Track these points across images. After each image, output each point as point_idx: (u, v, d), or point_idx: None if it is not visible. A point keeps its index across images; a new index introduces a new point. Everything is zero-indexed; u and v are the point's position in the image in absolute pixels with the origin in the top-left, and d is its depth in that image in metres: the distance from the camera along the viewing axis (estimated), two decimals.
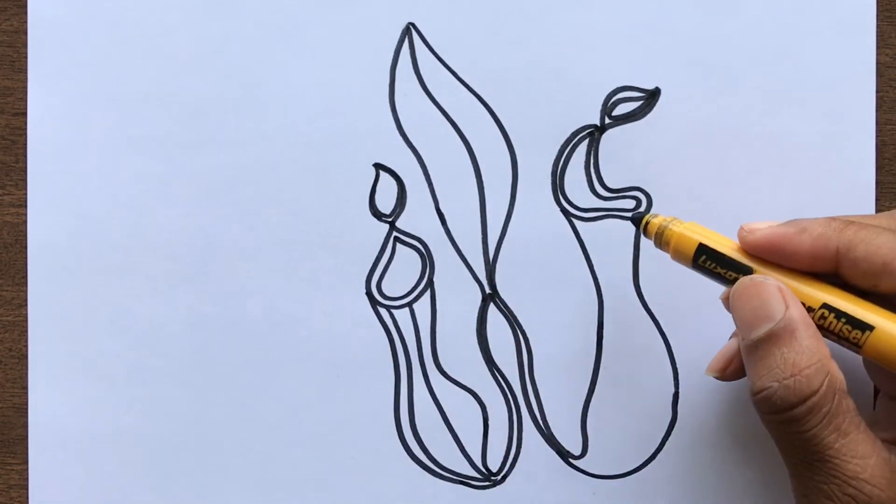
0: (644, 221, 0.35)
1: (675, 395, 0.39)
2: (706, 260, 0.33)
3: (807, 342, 0.29)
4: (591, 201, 0.39)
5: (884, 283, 0.30)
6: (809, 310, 0.30)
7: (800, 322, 0.30)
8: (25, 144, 0.40)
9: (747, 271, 0.32)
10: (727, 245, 0.33)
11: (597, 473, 0.39)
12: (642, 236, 0.36)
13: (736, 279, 0.32)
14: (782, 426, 0.30)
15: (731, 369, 0.34)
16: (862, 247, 0.30)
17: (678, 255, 0.34)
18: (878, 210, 0.38)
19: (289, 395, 0.39)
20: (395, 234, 0.39)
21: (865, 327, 0.29)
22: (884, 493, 0.29)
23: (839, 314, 0.30)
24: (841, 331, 0.29)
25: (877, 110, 0.38)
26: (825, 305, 0.30)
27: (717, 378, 0.34)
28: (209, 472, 0.39)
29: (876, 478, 0.29)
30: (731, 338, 0.35)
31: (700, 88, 0.39)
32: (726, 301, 0.33)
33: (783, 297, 0.30)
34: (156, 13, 0.39)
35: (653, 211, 0.38)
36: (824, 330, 0.30)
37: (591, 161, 0.39)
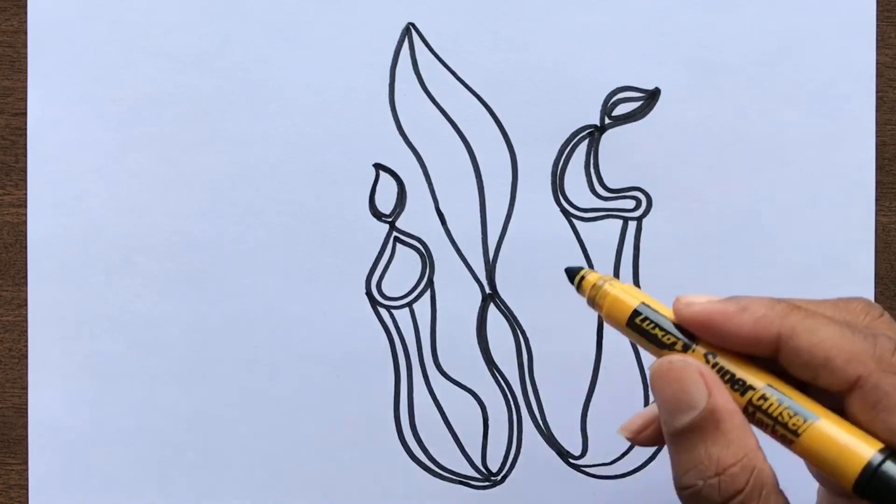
0: (579, 277, 0.30)
1: None
2: (644, 319, 0.28)
3: (732, 434, 0.27)
4: (590, 201, 0.39)
5: (822, 378, 0.27)
6: (750, 388, 0.27)
7: (724, 412, 0.27)
8: (25, 144, 0.40)
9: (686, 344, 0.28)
10: (665, 312, 0.29)
11: (597, 474, 0.39)
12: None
13: (672, 345, 0.28)
14: None
15: (646, 435, 0.31)
16: (805, 336, 0.27)
17: (613, 314, 0.29)
18: (877, 210, 0.38)
19: (289, 394, 0.39)
20: (395, 234, 0.39)
21: (809, 416, 0.26)
22: None
23: (782, 398, 0.27)
24: (781, 415, 0.27)
25: (877, 110, 0.38)
26: (768, 386, 0.27)
27: (628, 440, 0.31)
28: (209, 472, 0.39)
29: None
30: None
31: (700, 88, 0.39)
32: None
33: (705, 382, 0.27)
34: (156, 13, 0.39)
35: (646, 209, 0.37)
36: (761, 412, 0.27)
37: (591, 161, 0.39)
